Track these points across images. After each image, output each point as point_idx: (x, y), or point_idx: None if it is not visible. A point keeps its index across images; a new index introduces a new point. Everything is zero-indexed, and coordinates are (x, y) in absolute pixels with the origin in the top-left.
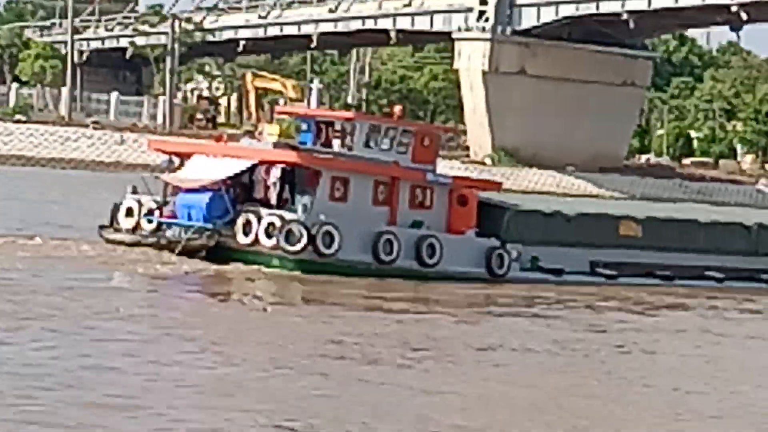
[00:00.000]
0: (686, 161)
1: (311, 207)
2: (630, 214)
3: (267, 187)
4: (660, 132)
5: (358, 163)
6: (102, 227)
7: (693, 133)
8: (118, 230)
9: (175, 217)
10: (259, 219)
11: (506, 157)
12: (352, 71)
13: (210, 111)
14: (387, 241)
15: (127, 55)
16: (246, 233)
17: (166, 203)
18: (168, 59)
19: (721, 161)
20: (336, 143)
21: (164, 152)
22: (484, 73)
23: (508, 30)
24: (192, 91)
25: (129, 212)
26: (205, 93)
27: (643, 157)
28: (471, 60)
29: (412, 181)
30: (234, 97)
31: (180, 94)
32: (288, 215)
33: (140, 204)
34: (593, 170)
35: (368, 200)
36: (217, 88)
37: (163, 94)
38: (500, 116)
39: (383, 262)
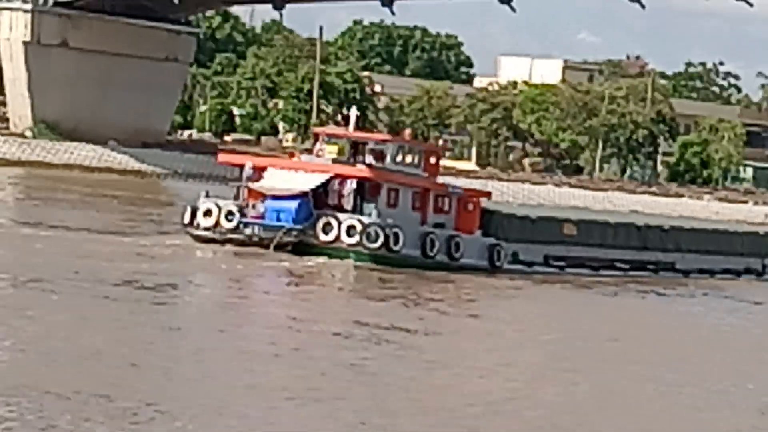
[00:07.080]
0: (228, 138)
1: (378, 212)
2: (569, 217)
3: (341, 196)
4: (203, 108)
5: (404, 177)
6: (185, 225)
7: (236, 110)
8: (198, 228)
9: (262, 218)
10: (339, 222)
11: (47, 130)
12: None
13: None
14: (431, 240)
15: None
16: (326, 233)
17: (246, 206)
18: None
19: (263, 138)
20: (369, 159)
21: (236, 165)
22: (25, 43)
23: (50, 0)
24: None
25: (208, 213)
26: None
27: (186, 133)
28: (12, 30)
29: (436, 191)
30: None
31: None
32: (365, 219)
33: (218, 206)
34: (136, 145)
35: (410, 207)
36: None
37: None
38: (41, 88)
39: (428, 257)
